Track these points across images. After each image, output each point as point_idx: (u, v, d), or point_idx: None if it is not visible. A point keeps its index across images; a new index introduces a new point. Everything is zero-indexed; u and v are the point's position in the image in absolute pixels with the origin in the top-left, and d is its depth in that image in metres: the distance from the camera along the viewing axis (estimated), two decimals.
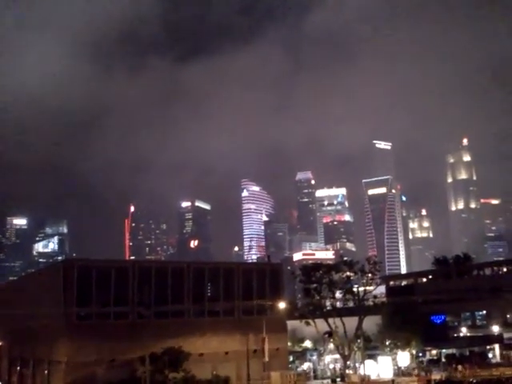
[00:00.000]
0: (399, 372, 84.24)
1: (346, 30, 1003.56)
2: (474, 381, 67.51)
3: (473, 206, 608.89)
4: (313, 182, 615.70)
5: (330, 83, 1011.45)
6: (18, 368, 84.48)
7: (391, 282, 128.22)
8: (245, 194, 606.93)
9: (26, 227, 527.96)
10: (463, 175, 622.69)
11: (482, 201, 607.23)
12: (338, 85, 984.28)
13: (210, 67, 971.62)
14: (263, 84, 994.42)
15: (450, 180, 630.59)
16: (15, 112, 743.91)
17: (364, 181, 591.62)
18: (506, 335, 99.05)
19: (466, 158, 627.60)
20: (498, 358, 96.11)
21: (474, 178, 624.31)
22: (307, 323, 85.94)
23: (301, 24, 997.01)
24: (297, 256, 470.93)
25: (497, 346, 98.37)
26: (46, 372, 74.06)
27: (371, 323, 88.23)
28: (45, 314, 76.71)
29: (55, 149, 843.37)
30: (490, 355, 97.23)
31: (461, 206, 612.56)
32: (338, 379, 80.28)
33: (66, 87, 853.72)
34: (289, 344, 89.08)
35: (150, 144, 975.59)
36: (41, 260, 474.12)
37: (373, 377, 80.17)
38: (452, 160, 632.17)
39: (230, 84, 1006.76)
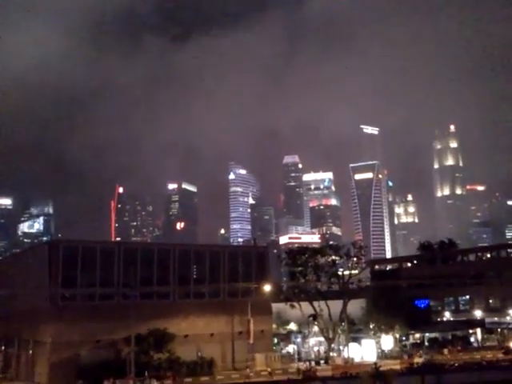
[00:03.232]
0: (383, 355, 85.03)
1: (343, 15, 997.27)
2: (456, 364, 68.26)
3: (458, 192, 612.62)
4: (300, 166, 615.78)
5: (323, 68, 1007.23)
6: (3, 348, 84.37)
7: (376, 267, 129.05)
8: (232, 176, 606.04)
9: (10, 207, 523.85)
10: (450, 161, 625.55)
11: (468, 187, 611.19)
12: (330, 70, 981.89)
13: (204, 49, 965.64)
14: (256, 67, 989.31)
15: (436, 166, 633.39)
16: (3, 92, 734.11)
17: (351, 165, 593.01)
18: (487, 320, 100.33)
19: (453, 144, 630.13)
20: (479, 342, 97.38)
21: (461, 164, 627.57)
22: (292, 306, 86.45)
23: (298, 8, 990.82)
24: (283, 239, 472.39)
25: (479, 330, 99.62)
26: (30, 352, 74.03)
27: (356, 307, 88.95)
28: (30, 294, 76.55)
29: (43, 128, 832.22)
30: (472, 339, 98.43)
31: (447, 192, 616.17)
32: (322, 361, 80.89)
33: (57, 67, 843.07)
34: (274, 326, 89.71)
35: (139, 125, 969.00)
36: (26, 240, 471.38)
37: (356, 359, 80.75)
38: (439, 146, 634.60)
39: (223, 67, 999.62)
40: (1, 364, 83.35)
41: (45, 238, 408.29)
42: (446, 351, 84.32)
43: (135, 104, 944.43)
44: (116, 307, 70.87)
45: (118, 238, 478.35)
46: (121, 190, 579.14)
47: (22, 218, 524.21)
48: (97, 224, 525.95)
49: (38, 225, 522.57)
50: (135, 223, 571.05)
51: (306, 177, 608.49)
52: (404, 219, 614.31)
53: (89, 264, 72.19)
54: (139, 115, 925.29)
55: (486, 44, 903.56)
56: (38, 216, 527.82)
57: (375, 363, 36.75)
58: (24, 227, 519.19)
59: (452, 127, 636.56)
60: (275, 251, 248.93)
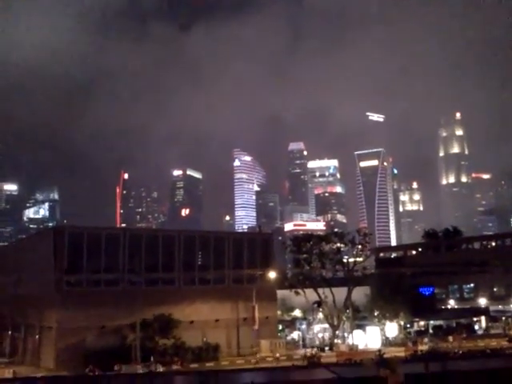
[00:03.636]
0: (387, 342, 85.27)
1: (348, 2, 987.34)
2: (460, 351, 68.40)
3: (464, 180, 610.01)
4: (305, 153, 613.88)
5: (329, 55, 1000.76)
6: (10, 333, 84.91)
7: (381, 254, 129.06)
8: (237, 163, 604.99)
9: (16, 193, 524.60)
10: (455, 149, 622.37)
11: (473, 175, 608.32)
12: (336, 57, 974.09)
13: (211, 36, 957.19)
14: (263, 54, 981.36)
15: (441, 154, 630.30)
16: (9, 76, 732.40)
17: (356, 153, 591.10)
18: (492, 308, 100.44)
19: (459, 132, 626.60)
20: (484, 330, 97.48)
21: (466, 152, 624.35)
22: (297, 293, 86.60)
23: None
24: (288, 226, 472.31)
25: (483, 318, 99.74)
26: (37, 337, 74.54)
27: (360, 294, 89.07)
28: (35, 280, 76.94)
29: (49, 114, 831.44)
30: (477, 327, 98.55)
31: (452, 180, 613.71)
32: (327, 348, 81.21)
33: (63, 54, 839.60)
34: (278, 313, 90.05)
35: (145, 112, 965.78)
36: (31, 226, 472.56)
37: (361, 346, 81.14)
38: (444, 134, 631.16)
39: (230, 54, 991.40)
40: (8, 349, 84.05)
41: (50, 224, 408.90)
42: (450, 338, 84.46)
43: (141, 91, 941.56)
44: (121, 293, 71.21)
45: (123, 225, 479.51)
46: (126, 176, 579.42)
47: (28, 204, 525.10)
48: (102, 210, 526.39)
49: (43, 211, 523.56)
50: (140, 209, 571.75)
51: (311, 164, 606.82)
52: (409, 207, 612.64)
53: (94, 250, 72.44)
54: (145, 102, 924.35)
55: (493, 30, 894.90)
56: (43, 202, 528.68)
57: (379, 350, 36.81)
58: (30, 213, 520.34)
59: (458, 115, 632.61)
60: (280, 238, 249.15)
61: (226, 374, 31.75)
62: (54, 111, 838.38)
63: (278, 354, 72.44)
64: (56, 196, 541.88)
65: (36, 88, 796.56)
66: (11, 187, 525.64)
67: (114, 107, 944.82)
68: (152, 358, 65.17)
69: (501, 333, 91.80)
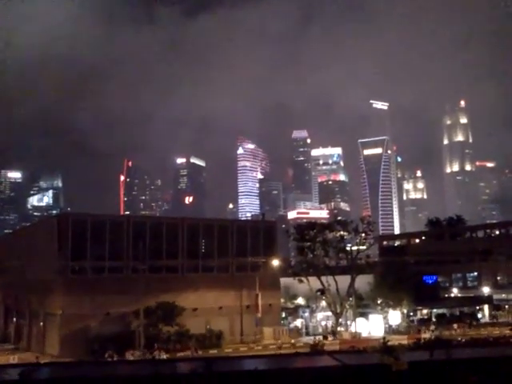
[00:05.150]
0: (390, 330, 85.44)
1: None
2: (463, 340, 68.49)
3: (468, 168, 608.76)
4: (309, 140, 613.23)
5: (335, 42, 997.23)
6: (15, 319, 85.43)
7: (384, 242, 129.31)
8: (240, 151, 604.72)
9: (20, 180, 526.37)
10: (459, 137, 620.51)
11: (478, 163, 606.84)
12: (342, 45, 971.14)
13: (217, 22, 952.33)
14: (268, 41, 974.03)
15: (446, 142, 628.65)
16: (14, 64, 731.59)
17: (360, 141, 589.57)
18: (495, 296, 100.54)
19: (463, 120, 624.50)
20: (487, 318, 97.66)
21: (470, 140, 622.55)
22: (300, 281, 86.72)
23: None
24: (291, 214, 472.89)
25: (486, 307, 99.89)
26: (41, 324, 74.91)
27: (363, 282, 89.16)
28: (40, 267, 77.23)
29: (52, 101, 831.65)
30: (480, 315, 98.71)
31: (456, 168, 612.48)
32: (330, 336, 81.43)
33: (67, 40, 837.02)
34: (282, 301, 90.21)
35: (150, 99, 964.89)
36: (35, 213, 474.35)
37: (364, 334, 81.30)
38: (449, 122, 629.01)
39: (236, 40, 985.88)
40: (13, 335, 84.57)
41: (54, 212, 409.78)
42: (455, 326, 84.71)
43: (146, 77, 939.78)
44: (125, 280, 71.40)
45: (127, 212, 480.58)
46: (130, 163, 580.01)
47: (32, 192, 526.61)
48: (106, 198, 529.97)
49: (47, 198, 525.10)
50: (144, 197, 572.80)
51: (315, 152, 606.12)
52: (413, 195, 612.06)
53: (98, 237, 72.62)
54: (150, 89, 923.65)
55: (499, 17, 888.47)
56: (47, 189, 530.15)
57: (384, 337, 36.75)
58: (33, 200, 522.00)
59: (462, 103, 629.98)
60: (283, 226, 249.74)
61: (230, 361, 31.81)
62: (58, 98, 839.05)
63: (280, 341, 72.72)
64: (60, 184, 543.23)
65: (39, 75, 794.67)
66: (15, 175, 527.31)
67: (119, 94, 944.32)
68: (155, 345, 65.51)
69: (505, 321, 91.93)
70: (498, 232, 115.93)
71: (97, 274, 72.13)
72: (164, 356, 61.70)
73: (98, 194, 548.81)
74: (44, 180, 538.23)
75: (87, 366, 31.16)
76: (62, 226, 72.43)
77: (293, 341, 75.16)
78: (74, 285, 70.16)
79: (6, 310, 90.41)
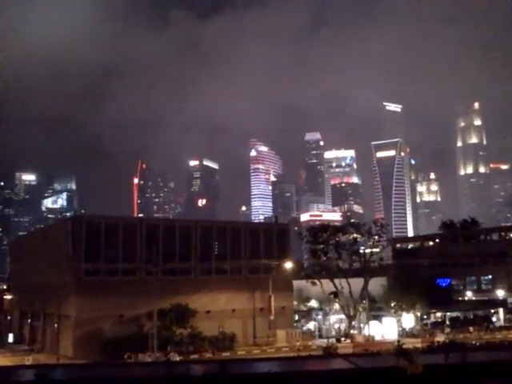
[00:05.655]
0: (403, 333, 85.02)
1: None
2: (478, 344, 68.05)
3: (482, 170, 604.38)
4: (321, 143, 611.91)
5: (348, 44, 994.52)
6: (29, 321, 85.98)
7: (398, 245, 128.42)
8: (253, 153, 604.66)
9: (35, 183, 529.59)
10: (473, 139, 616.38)
11: (492, 166, 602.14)
12: (354, 46, 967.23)
13: (231, 24, 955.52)
14: (281, 44, 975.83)
15: (459, 144, 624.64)
16: (28, 66, 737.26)
17: (373, 143, 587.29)
18: (510, 299, 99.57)
19: (477, 122, 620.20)
20: (501, 322, 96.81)
21: (484, 142, 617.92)
22: (313, 283, 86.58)
23: None
24: (304, 217, 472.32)
25: (501, 310, 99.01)
26: (55, 326, 75.33)
27: (377, 285, 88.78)
28: (54, 269, 77.67)
29: (67, 104, 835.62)
30: (494, 319, 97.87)
31: (470, 170, 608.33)
32: (343, 339, 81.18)
33: (82, 42, 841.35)
34: (295, 303, 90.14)
35: (163, 101, 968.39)
36: (49, 216, 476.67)
37: (377, 337, 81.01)
38: (462, 124, 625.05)
39: (247, 43, 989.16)
40: (27, 337, 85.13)
41: (68, 214, 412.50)
42: (471, 329, 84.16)
43: (160, 80, 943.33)
44: (138, 283, 71.64)
45: (141, 214, 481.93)
46: (143, 166, 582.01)
47: (46, 194, 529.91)
48: (119, 200, 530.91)
49: (61, 200, 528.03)
50: (157, 200, 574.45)
51: (328, 154, 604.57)
52: (426, 197, 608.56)
53: (111, 239, 72.93)
54: (163, 91, 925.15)
55: None
56: (61, 192, 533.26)
57: (398, 340, 36.61)
58: (48, 203, 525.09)
59: (476, 105, 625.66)
60: (296, 228, 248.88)
61: (244, 363, 31.83)
62: (72, 101, 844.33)
63: (298, 343, 72.77)
64: (74, 186, 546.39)
65: (53, 77, 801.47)
66: (30, 177, 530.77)
67: (132, 97, 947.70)
68: (169, 347, 65.68)
69: None
70: None
71: (110, 276, 72.36)
72: (177, 358, 61.87)
73: (112, 197, 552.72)
74: (58, 182, 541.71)
75: (103, 368, 31.31)
76: (75, 228, 72.81)
77: (310, 343, 75.18)
78: (88, 287, 70.46)
79: (21, 311, 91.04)
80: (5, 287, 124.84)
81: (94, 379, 23.37)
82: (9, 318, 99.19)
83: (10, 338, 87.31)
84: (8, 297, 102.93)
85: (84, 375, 25.21)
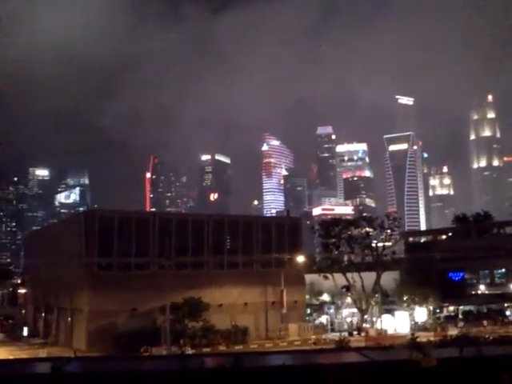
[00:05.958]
0: (416, 327, 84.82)
1: None
2: (491, 338, 67.68)
3: (495, 163, 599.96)
4: (333, 136, 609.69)
5: (360, 38, 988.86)
6: (43, 315, 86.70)
7: (410, 239, 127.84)
8: (265, 147, 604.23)
9: (48, 178, 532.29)
10: (487, 132, 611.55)
11: (505, 159, 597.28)
12: (366, 39, 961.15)
13: (242, 20, 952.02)
14: (293, 38, 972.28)
15: (472, 137, 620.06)
16: (41, 61, 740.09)
17: (385, 136, 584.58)
18: None
19: (491, 114, 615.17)
20: None
21: (498, 135, 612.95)
22: (325, 277, 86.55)
23: None
24: (316, 211, 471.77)
25: None
26: (69, 319, 75.93)
27: (389, 278, 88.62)
28: (67, 264, 78.23)
29: (79, 99, 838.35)
30: (508, 313, 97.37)
31: (483, 163, 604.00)
32: (355, 332, 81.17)
33: (94, 36, 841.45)
34: (307, 297, 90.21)
35: (175, 96, 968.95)
36: (63, 210, 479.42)
37: (390, 331, 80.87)
38: (476, 117, 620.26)
39: (260, 37, 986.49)
40: (41, 330, 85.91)
41: (81, 209, 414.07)
42: (485, 323, 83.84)
43: (171, 75, 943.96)
44: (151, 277, 71.98)
45: (153, 209, 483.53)
46: (155, 160, 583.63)
47: (59, 189, 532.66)
48: (132, 195, 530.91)
49: (74, 195, 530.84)
50: (170, 194, 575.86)
51: (340, 148, 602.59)
52: (439, 191, 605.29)
53: (124, 234, 73.32)
54: (175, 86, 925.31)
55: None
56: (74, 186, 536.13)
57: (412, 333, 36.50)
58: (61, 198, 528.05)
59: (490, 97, 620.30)
60: (308, 222, 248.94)
61: (257, 356, 31.91)
62: (84, 96, 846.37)
63: (313, 337, 72.89)
64: (86, 181, 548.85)
65: (66, 73, 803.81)
66: (43, 172, 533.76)
67: (144, 91, 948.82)
68: (182, 341, 65.98)
69: None
70: None
71: (123, 271, 72.81)
72: (190, 351, 62.14)
73: (124, 191, 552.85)
74: (71, 177, 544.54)
75: (117, 361, 31.53)
76: (88, 223, 73.25)
77: (323, 336, 75.28)
78: (101, 281, 70.92)
79: (35, 305, 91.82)
80: (19, 281, 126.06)
81: (109, 373, 23.54)
82: (23, 311, 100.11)
83: (25, 331, 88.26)
84: (22, 291, 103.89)
85: (99, 368, 25.41)
